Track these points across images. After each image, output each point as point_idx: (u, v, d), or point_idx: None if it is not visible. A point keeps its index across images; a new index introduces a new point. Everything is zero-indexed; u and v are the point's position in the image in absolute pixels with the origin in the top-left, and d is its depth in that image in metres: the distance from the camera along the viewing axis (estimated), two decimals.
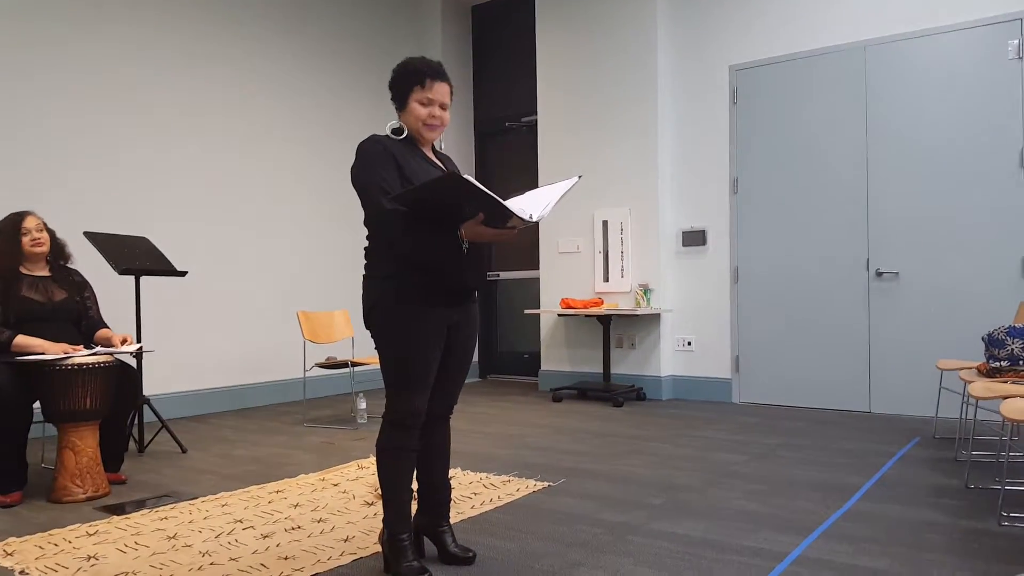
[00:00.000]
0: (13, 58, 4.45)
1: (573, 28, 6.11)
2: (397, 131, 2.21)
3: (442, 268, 2.09)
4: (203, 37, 5.41)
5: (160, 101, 5.15)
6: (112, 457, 3.40)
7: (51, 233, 3.47)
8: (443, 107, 2.20)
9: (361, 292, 2.20)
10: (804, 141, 5.17)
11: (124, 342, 3.44)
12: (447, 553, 2.28)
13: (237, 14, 5.64)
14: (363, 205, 2.09)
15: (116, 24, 4.92)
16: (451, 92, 2.23)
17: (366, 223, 2.13)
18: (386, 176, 2.06)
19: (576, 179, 2.19)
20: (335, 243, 6.31)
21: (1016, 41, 4.44)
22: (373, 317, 2.14)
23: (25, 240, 3.34)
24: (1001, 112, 4.49)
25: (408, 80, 2.18)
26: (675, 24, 5.73)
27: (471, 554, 2.29)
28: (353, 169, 2.13)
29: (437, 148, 2.36)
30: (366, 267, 2.19)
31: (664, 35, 5.71)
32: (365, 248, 2.18)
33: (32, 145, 4.52)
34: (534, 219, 1.99)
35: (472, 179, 1.86)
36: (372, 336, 2.15)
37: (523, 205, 2.04)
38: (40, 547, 2.51)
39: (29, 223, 3.36)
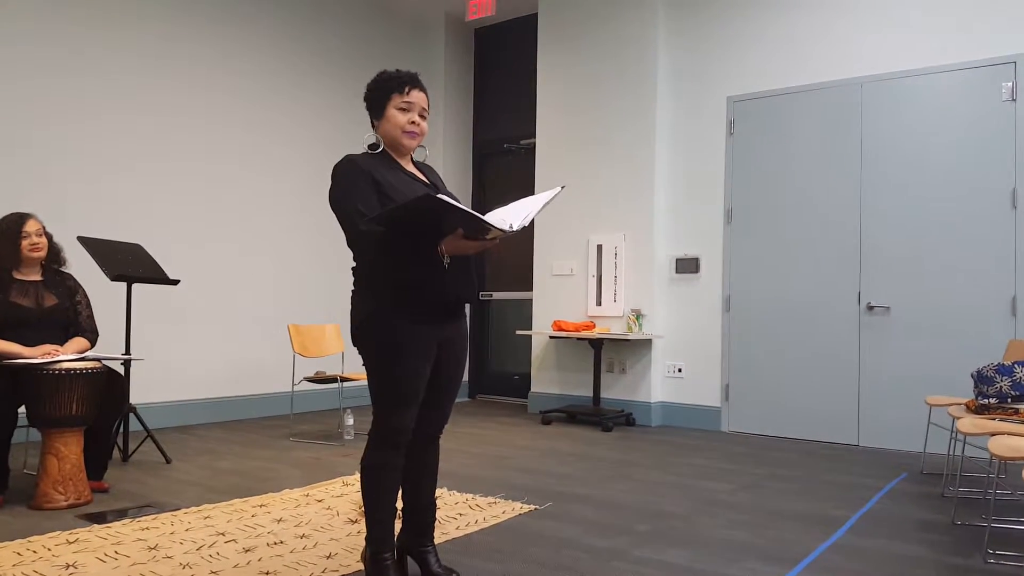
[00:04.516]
0: (9, 63, 4.46)
1: (574, 54, 6.18)
2: (373, 146, 2.20)
3: (426, 284, 2.07)
4: (204, 50, 5.45)
5: (158, 111, 5.17)
6: (96, 465, 3.37)
7: (48, 237, 3.46)
8: (422, 115, 2.19)
9: (350, 308, 2.19)
10: (799, 174, 5.22)
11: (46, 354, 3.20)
12: (430, 573, 2.25)
13: (240, 31, 5.68)
14: (343, 229, 2.08)
15: (115, 32, 4.95)
16: (428, 103, 2.22)
17: (348, 245, 2.11)
18: (363, 197, 2.04)
19: (559, 189, 2.15)
20: (327, 257, 6.30)
21: (1010, 83, 4.51)
22: (361, 333, 2.12)
23: (24, 244, 3.32)
24: (993, 152, 4.55)
25: (386, 88, 2.16)
26: (675, 54, 5.80)
27: (454, 575, 2.27)
28: (330, 192, 2.12)
29: (418, 160, 2.34)
30: (355, 283, 2.18)
31: (663, 64, 5.78)
32: (352, 267, 2.18)
33: (27, 150, 4.52)
34: (514, 228, 1.95)
35: (446, 198, 1.82)
36: (360, 353, 2.13)
37: (504, 215, 2.01)
38: (18, 553, 2.47)
39: (30, 227, 3.34)
